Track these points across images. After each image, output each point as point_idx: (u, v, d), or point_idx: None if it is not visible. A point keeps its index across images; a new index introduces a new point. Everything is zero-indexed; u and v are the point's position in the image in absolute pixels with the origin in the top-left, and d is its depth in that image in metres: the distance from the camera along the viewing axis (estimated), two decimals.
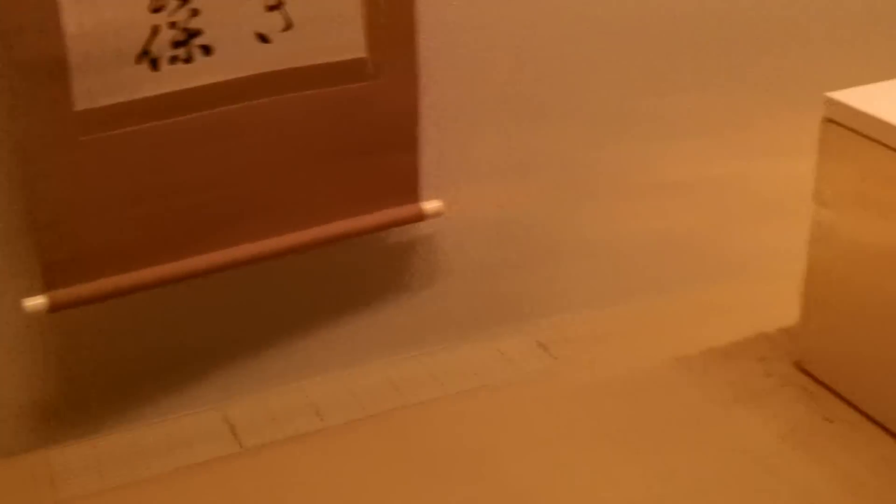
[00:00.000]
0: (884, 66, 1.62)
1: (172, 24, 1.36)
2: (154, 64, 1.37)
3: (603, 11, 1.64)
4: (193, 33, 1.38)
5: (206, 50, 1.40)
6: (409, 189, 1.59)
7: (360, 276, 1.67)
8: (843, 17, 1.80)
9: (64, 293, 1.43)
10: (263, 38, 1.43)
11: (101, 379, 1.56)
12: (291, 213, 1.53)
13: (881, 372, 1.56)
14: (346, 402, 1.65)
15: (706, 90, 1.77)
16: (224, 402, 1.64)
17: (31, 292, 1.43)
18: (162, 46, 1.37)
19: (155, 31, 1.36)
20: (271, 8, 1.42)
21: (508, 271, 1.76)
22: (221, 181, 1.47)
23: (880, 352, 1.55)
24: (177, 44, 1.38)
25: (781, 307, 1.76)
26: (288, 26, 1.43)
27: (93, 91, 1.35)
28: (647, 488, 1.48)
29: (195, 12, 1.37)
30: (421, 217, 1.61)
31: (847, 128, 1.51)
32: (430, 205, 1.61)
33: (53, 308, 1.43)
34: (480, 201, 1.69)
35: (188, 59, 1.39)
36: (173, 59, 1.38)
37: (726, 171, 1.84)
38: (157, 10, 1.35)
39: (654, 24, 1.69)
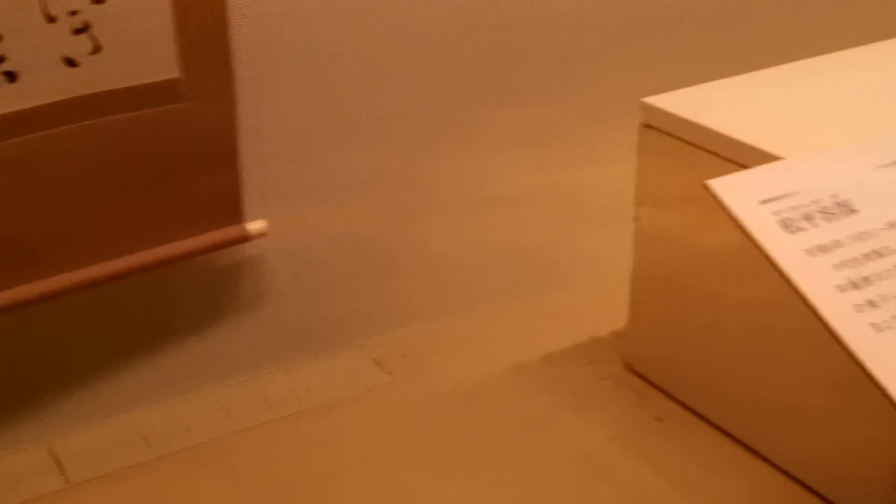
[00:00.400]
0: (699, 69, 1.65)
1: None
2: None
3: (432, 24, 1.64)
4: None
5: (11, 77, 1.35)
6: (231, 210, 1.56)
7: (188, 301, 1.63)
8: (657, 23, 1.83)
9: None
10: (71, 62, 1.38)
11: None
12: (110, 240, 1.48)
13: (708, 370, 1.59)
14: (177, 430, 1.61)
15: (535, 101, 1.79)
16: (49, 437, 1.59)
17: None
18: None
19: None
20: (78, 31, 1.37)
21: (342, 288, 1.74)
22: (33, 210, 1.42)
23: (706, 350, 1.58)
24: None
25: (613, 311, 1.78)
26: (96, 49, 1.39)
27: None
28: (480, 498, 1.48)
29: None
30: (246, 238, 1.59)
31: (664, 132, 1.54)
32: (255, 225, 1.59)
33: None
34: (311, 219, 1.67)
35: None
36: None
37: (556, 180, 1.86)
38: None
39: (483, 36, 1.69)
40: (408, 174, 1.72)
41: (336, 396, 1.69)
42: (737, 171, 1.08)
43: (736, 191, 1.05)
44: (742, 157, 1.39)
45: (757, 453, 1.53)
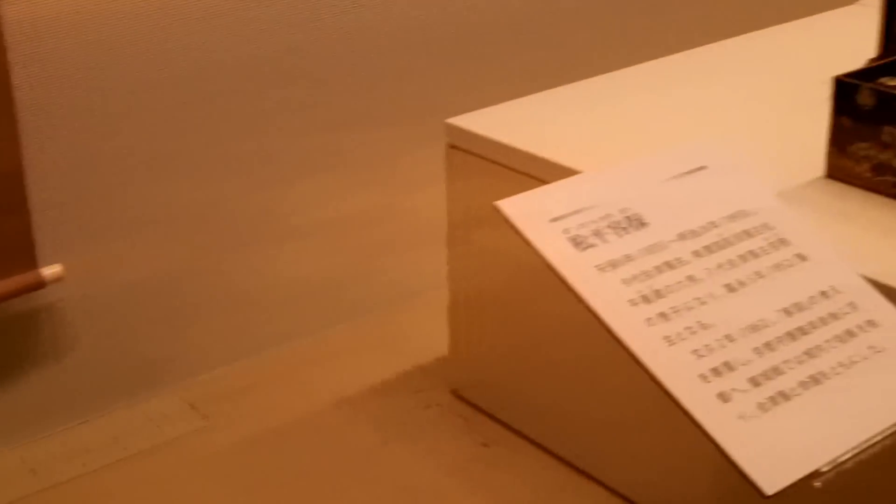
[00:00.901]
0: (500, 89, 1.64)
1: None
2: None
3: (223, 54, 1.59)
4: None
5: None
6: (23, 255, 1.48)
7: None
8: (461, 43, 1.82)
9: None
10: None
11: None
12: None
13: (531, 392, 1.57)
14: None
15: (342, 126, 1.75)
16: None
17: None
18: None
19: None
20: None
21: (148, 331, 1.67)
22: None
23: (527, 371, 1.56)
24: None
25: (436, 336, 1.75)
26: None
27: None
28: None
29: None
30: (41, 284, 1.51)
31: (470, 152, 1.52)
32: (50, 270, 1.51)
33: None
34: (110, 261, 1.60)
35: None
36: None
37: (365, 205, 1.83)
38: None
39: (283, 60, 1.65)
40: (209, 209, 1.67)
41: (149, 444, 1.61)
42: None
43: (525, 210, 1.03)
44: (546, 173, 1.37)
45: (583, 472, 1.51)
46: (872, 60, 1.54)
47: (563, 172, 1.31)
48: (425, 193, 1.75)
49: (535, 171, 1.41)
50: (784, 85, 1.52)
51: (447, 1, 1.77)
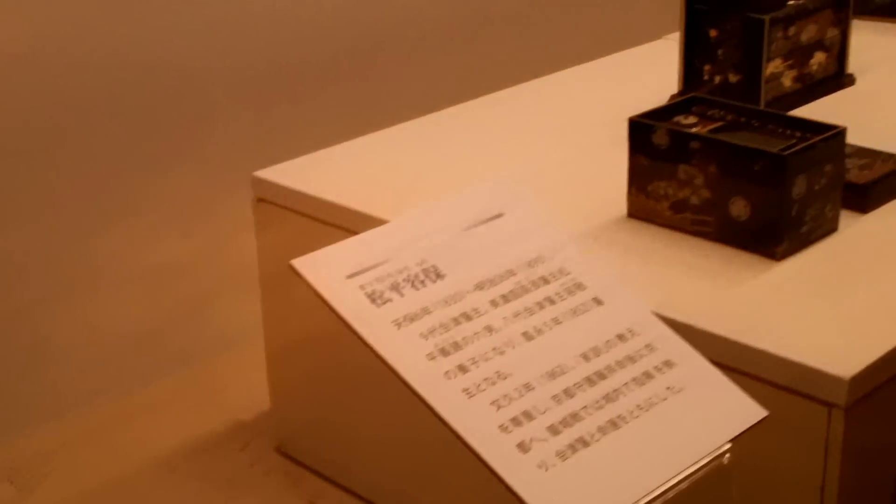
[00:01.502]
0: (313, 135, 1.63)
1: None
2: None
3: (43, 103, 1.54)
4: None
5: None
6: None
7: None
8: (270, 92, 1.80)
9: None
10: None
11: None
12: None
13: (354, 445, 1.55)
14: None
15: (159, 172, 1.71)
16: None
17: None
18: None
19: None
20: None
21: None
22: None
23: (347, 425, 1.54)
24: None
25: (257, 390, 1.71)
26: None
27: None
28: None
29: None
30: None
31: (278, 205, 1.49)
32: None
33: None
34: None
35: None
36: None
37: (183, 254, 1.78)
38: None
39: (92, 106, 1.60)
40: (8, 260, 1.60)
41: None
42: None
43: (321, 268, 1.01)
44: (355, 224, 1.36)
45: None
46: (674, 96, 1.58)
47: (372, 222, 1.30)
48: (241, 241, 1.72)
49: (343, 223, 1.40)
50: (589, 124, 1.54)
51: (255, 46, 1.74)
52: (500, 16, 1.91)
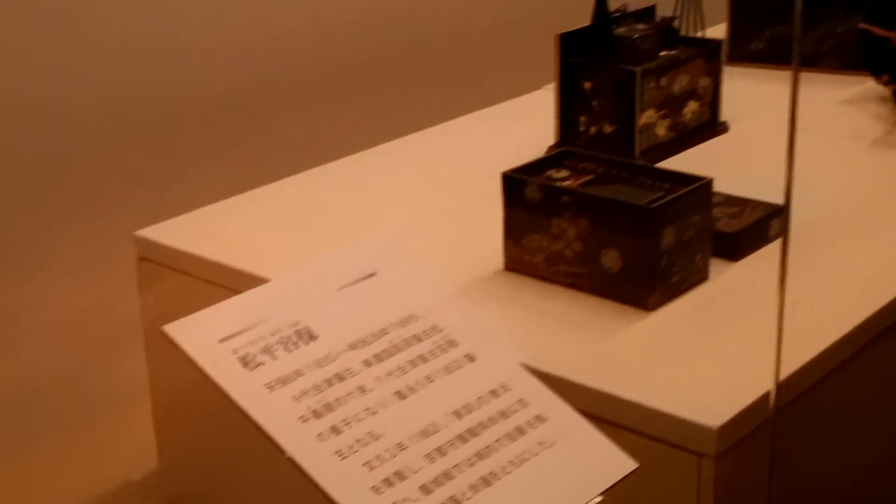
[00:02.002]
0: (193, 196, 1.62)
1: None
2: None
3: None
4: None
5: None
6: None
7: None
8: (150, 148, 1.79)
9: None
10: None
11: None
12: None
13: (243, 501, 1.54)
14: None
15: (42, 229, 1.69)
16: None
17: None
18: None
19: None
20: None
21: None
22: None
23: (237, 481, 1.53)
24: None
25: (147, 449, 1.70)
26: None
27: None
28: None
29: None
30: None
31: (161, 264, 1.49)
32: None
33: None
34: None
35: None
36: None
37: (75, 313, 1.76)
38: None
39: None
40: None
41: None
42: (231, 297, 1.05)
43: (194, 332, 1.01)
44: (235, 282, 1.36)
45: None
46: (552, 147, 1.61)
47: (253, 281, 1.30)
48: (130, 299, 1.70)
49: (225, 281, 1.40)
50: (470, 177, 1.56)
51: (129, 99, 1.73)
52: (382, 69, 1.93)
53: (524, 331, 1.20)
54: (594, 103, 1.57)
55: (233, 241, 1.46)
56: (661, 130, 1.59)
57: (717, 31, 1.84)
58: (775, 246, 1.34)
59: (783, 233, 1.04)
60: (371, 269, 1.10)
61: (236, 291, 1.32)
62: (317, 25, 1.84)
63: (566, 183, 1.27)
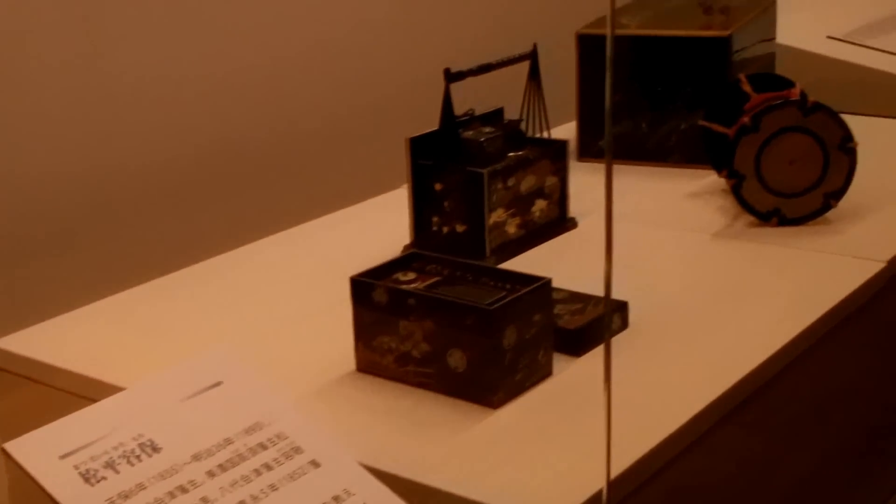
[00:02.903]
0: (51, 303, 1.62)
1: None
2: None
3: None
4: None
5: None
6: None
7: None
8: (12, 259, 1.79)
9: None
10: None
11: None
12: None
13: None
14: None
15: None
16: None
17: None
18: None
19: None
20: None
21: None
22: None
23: None
24: None
25: None
26: None
27: None
28: None
29: None
30: None
31: (15, 373, 1.48)
32: None
33: None
34: None
35: None
36: None
37: None
38: None
39: None
40: None
41: None
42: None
43: (35, 449, 1.02)
44: (91, 391, 1.36)
45: None
46: (407, 247, 1.65)
47: (108, 390, 1.30)
48: None
49: (81, 391, 1.39)
50: (327, 279, 1.58)
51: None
52: (237, 169, 1.95)
53: (373, 432, 1.23)
54: (445, 204, 1.62)
55: (87, 350, 1.46)
56: (511, 228, 1.64)
57: (563, 130, 1.91)
58: (616, 341, 1.40)
59: (606, 334, 1.08)
60: (217, 378, 1.12)
61: (92, 400, 1.32)
62: (167, 132, 1.86)
63: (413, 285, 1.31)
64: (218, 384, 1.11)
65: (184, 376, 1.11)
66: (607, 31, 0.93)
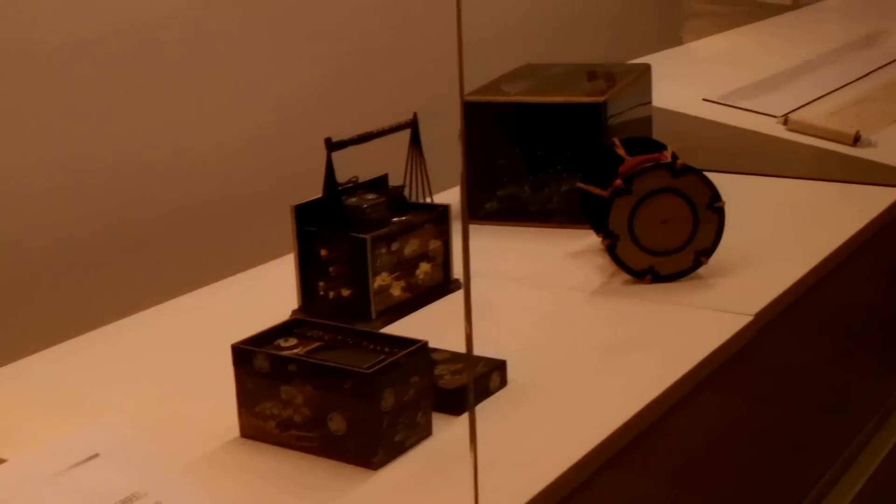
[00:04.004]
0: None
1: None
2: None
3: None
4: None
5: None
6: None
7: None
8: None
9: None
10: None
11: None
12: None
13: None
14: None
15: None
16: None
17: None
18: None
19: None
20: None
21: None
22: None
23: None
24: None
25: None
26: None
27: None
28: None
29: None
30: None
31: None
32: None
33: None
34: None
35: None
36: None
37: None
38: None
39: None
40: None
41: None
42: None
43: None
44: None
45: None
46: (295, 312, 1.68)
47: None
48: None
49: None
50: (211, 348, 1.58)
51: None
52: (126, 238, 1.96)
53: (257, 498, 1.25)
54: (331, 269, 1.65)
55: None
56: (397, 292, 1.68)
57: (449, 195, 1.96)
58: (496, 399, 1.44)
59: (468, 398, 1.13)
60: (95, 450, 1.13)
61: None
62: (56, 204, 1.87)
63: (294, 351, 1.34)
64: (95, 456, 1.12)
65: (62, 449, 1.12)
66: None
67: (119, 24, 1.93)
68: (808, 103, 2.60)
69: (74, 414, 1.45)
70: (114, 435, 1.15)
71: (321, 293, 1.67)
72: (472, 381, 1.19)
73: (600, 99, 2.00)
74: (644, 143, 1.90)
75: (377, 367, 1.27)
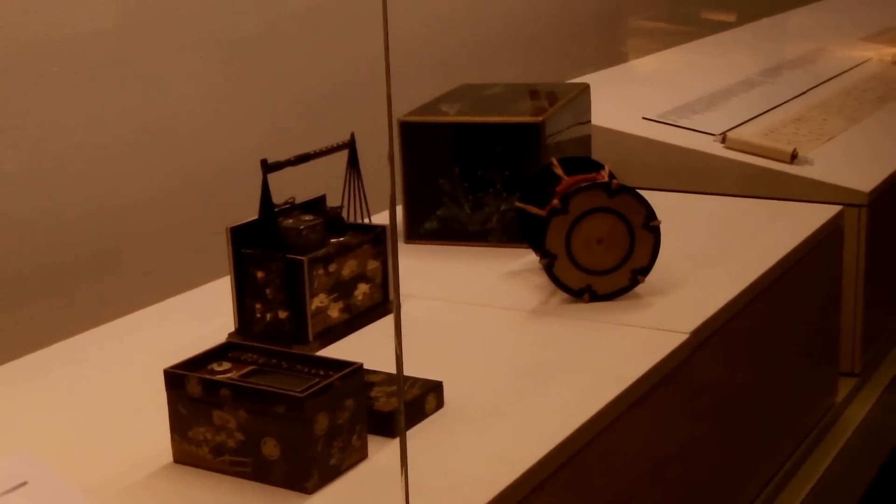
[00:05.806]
0: None
1: None
2: None
3: None
4: None
5: None
6: None
7: None
8: None
9: None
10: None
11: None
12: None
13: None
14: None
15: None
16: None
17: None
18: None
19: None
20: None
21: None
22: None
23: None
24: None
25: None
26: None
27: None
28: None
29: None
30: None
31: None
32: None
33: None
34: None
35: None
36: None
37: None
38: None
39: None
40: None
41: None
42: None
43: None
44: None
45: None
46: (231, 334, 1.67)
47: None
48: None
49: None
50: (145, 374, 1.58)
51: None
52: (56, 263, 1.95)
53: None
54: (268, 291, 1.64)
55: None
56: (335, 313, 1.67)
57: (384, 216, 1.95)
58: (432, 420, 1.43)
59: (398, 420, 1.12)
60: (22, 478, 1.12)
61: None
62: None
63: (227, 375, 1.33)
64: (24, 484, 1.11)
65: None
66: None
67: (42, 49, 1.92)
68: (745, 121, 2.63)
69: (5, 443, 1.42)
70: (41, 464, 1.13)
71: (258, 315, 1.66)
72: (403, 404, 1.19)
73: (538, 119, 2.01)
74: (582, 162, 1.91)
75: (310, 390, 1.26)
